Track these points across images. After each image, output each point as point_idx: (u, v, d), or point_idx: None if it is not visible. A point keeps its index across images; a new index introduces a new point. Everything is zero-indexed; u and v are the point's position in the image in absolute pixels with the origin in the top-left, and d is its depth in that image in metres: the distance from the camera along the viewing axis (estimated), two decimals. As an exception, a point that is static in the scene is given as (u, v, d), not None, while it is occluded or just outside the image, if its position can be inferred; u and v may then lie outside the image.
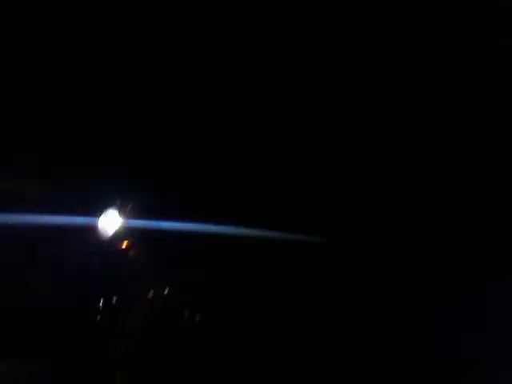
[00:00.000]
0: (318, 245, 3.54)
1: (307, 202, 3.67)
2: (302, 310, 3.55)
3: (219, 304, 3.60)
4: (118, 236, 3.38)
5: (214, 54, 3.34)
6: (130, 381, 3.33)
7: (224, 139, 3.52)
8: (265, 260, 3.66)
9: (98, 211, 3.30)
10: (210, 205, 3.48)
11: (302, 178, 3.63)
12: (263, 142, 3.56)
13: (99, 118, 3.30)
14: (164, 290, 3.52)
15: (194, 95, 3.41)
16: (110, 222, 3.33)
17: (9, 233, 2.90)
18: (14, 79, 3.11)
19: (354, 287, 3.58)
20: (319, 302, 3.57)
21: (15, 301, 2.97)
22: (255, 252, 3.61)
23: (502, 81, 3.25)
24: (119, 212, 3.35)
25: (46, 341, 3.07)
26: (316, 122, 3.53)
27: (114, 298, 3.39)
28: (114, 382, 3.28)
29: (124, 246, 3.45)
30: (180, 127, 3.45)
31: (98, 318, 3.34)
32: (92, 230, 3.29)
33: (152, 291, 3.50)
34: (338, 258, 3.59)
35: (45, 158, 3.16)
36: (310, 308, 3.55)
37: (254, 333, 3.50)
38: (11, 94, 3.12)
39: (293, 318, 3.55)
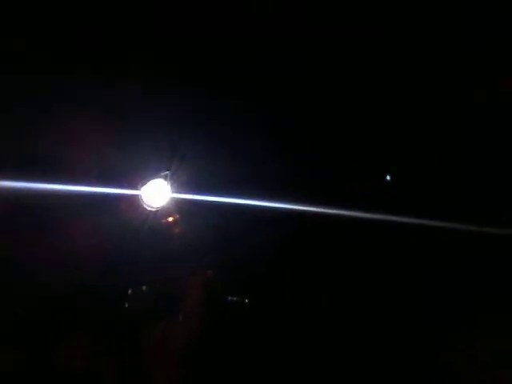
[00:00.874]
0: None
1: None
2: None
3: (273, 287, 3.26)
4: (164, 210, 3.04)
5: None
6: (179, 368, 3.03)
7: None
8: (321, 241, 3.34)
9: (142, 181, 2.95)
10: (267, 180, 3.13)
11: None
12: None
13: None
14: (212, 272, 3.19)
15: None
16: (156, 193, 2.98)
17: (49, 204, 2.59)
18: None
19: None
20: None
21: (56, 279, 2.69)
22: (315, 231, 3.27)
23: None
24: (166, 183, 3.00)
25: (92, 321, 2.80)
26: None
27: (158, 279, 3.07)
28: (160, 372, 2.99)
29: (170, 221, 3.11)
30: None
31: (140, 300, 3.04)
32: (136, 202, 2.95)
33: (199, 272, 3.17)
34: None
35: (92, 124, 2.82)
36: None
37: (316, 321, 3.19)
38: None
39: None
